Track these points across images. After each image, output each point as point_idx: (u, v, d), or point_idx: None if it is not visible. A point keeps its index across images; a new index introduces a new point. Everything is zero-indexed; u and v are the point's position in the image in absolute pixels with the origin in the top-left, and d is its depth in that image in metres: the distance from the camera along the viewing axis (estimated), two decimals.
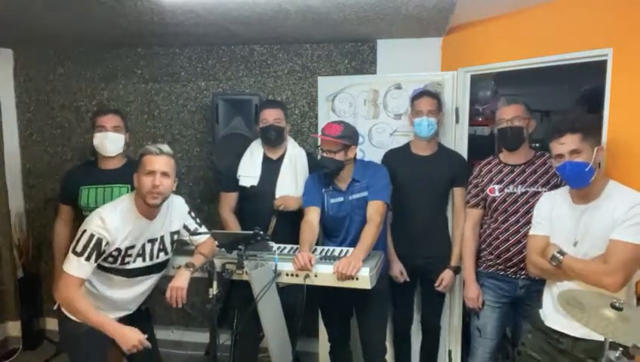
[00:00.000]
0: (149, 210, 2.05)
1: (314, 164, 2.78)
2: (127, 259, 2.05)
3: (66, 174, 2.76)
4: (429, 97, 2.69)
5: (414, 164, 2.72)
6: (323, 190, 2.53)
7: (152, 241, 2.11)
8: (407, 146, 2.83)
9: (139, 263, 2.09)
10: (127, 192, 2.58)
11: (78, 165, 2.93)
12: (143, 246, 2.09)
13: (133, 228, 2.02)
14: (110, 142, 2.57)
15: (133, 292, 2.15)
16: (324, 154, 2.42)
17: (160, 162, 2.01)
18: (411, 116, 2.75)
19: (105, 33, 3.14)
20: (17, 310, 3.80)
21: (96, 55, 3.68)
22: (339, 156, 2.41)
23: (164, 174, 2.01)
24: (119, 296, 2.12)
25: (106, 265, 2.02)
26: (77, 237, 1.94)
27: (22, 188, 3.86)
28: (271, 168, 2.71)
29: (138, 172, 2.04)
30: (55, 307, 2.16)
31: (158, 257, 2.15)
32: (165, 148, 2.05)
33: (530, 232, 2.12)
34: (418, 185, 2.68)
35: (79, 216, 2.62)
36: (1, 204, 3.77)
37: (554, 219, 2.01)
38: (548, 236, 2.02)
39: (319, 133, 2.54)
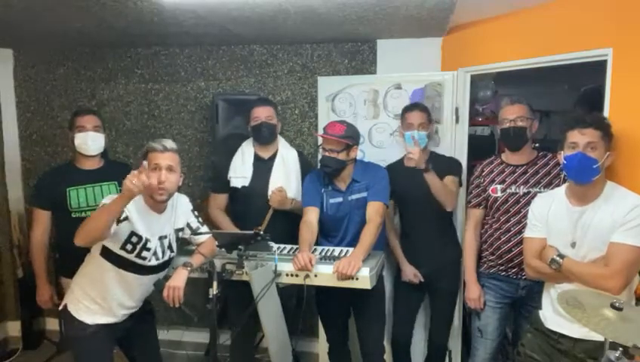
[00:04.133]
0: (155, 204, 2.09)
1: (306, 164, 2.79)
2: (144, 254, 2.07)
3: (45, 177, 2.66)
4: (419, 111, 2.69)
5: (408, 176, 2.65)
6: (322, 190, 2.53)
7: (161, 239, 2.14)
8: (400, 161, 2.82)
9: (153, 261, 2.12)
10: (116, 189, 2.62)
11: (55, 168, 2.88)
12: (156, 245, 2.11)
13: (145, 218, 2.06)
14: (92, 142, 2.58)
15: (139, 289, 2.16)
16: (327, 154, 2.42)
17: (165, 158, 2.04)
18: (402, 129, 2.74)
19: (105, 33, 3.14)
20: (17, 310, 3.80)
21: (96, 55, 3.68)
22: (341, 156, 2.41)
23: (170, 169, 2.04)
24: (127, 292, 2.13)
25: (124, 254, 2.03)
26: (101, 205, 1.96)
27: (22, 188, 3.86)
28: (262, 168, 2.71)
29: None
30: (61, 307, 2.16)
31: (165, 255, 2.17)
32: (169, 144, 2.08)
33: (526, 234, 2.12)
34: (415, 196, 2.66)
35: (62, 221, 2.59)
36: (1, 203, 3.78)
37: (550, 219, 2.00)
38: (544, 238, 2.02)
39: (321, 132, 2.54)
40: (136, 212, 2.03)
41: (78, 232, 1.90)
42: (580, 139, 1.86)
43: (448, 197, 2.56)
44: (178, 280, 2.13)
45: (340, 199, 2.51)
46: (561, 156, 1.93)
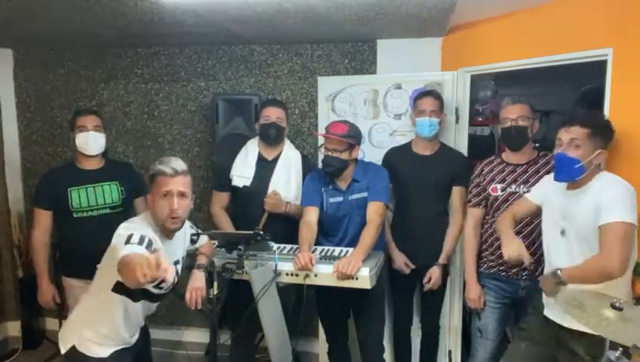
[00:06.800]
0: (169, 232, 1.97)
1: (308, 167, 2.79)
2: (162, 284, 1.90)
3: (46, 177, 2.66)
4: (432, 98, 2.69)
5: (415, 162, 2.72)
6: (322, 189, 2.53)
7: (175, 264, 2.02)
8: (408, 145, 2.83)
9: (167, 288, 1.99)
10: (117, 189, 2.63)
11: (57, 168, 2.89)
12: (172, 272, 1.93)
13: (160, 245, 1.89)
14: (94, 142, 2.59)
15: (145, 312, 2.08)
16: (329, 153, 2.43)
17: (176, 183, 1.87)
18: (413, 115, 2.75)
19: (105, 33, 3.14)
20: (17, 310, 3.80)
21: (96, 55, 3.68)
22: (344, 155, 2.42)
23: (182, 195, 1.89)
24: (134, 320, 2.03)
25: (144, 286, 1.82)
26: (127, 236, 1.74)
27: (22, 188, 3.86)
28: (265, 168, 2.70)
29: (152, 193, 1.92)
30: (65, 350, 1.98)
31: (175, 279, 2.04)
32: (180, 165, 1.90)
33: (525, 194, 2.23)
34: (418, 184, 2.68)
35: (63, 222, 2.61)
36: (1, 203, 3.77)
37: (548, 201, 2.05)
38: (533, 204, 2.13)
39: (323, 132, 2.53)
40: (152, 236, 1.86)
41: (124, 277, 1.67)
42: (564, 136, 1.89)
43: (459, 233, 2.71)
44: (199, 281, 2.11)
45: (341, 199, 2.51)
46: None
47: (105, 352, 1.98)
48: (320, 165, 2.99)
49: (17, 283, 3.78)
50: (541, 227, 2.14)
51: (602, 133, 1.90)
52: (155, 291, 1.96)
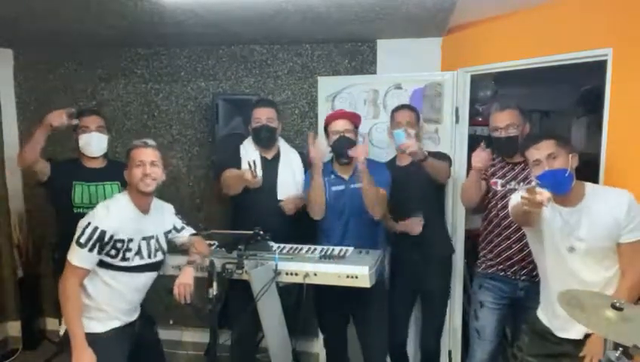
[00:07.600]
0: (143, 201, 2.14)
1: (307, 163, 2.79)
2: (127, 255, 2.08)
3: (57, 163, 2.71)
4: (408, 110, 2.72)
5: (397, 175, 2.67)
6: (325, 179, 2.54)
7: (147, 239, 2.15)
8: (392, 160, 2.84)
9: (137, 261, 2.12)
10: (118, 189, 2.66)
11: (66, 160, 2.90)
12: (139, 245, 2.12)
13: (131, 221, 2.09)
14: (96, 143, 2.63)
15: (136, 286, 2.16)
16: (342, 134, 2.49)
17: (147, 153, 2.13)
18: (390, 128, 2.76)
19: (105, 33, 3.14)
20: (17, 310, 3.80)
21: (96, 55, 3.68)
22: (353, 136, 2.52)
23: (153, 163, 2.12)
24: (126, 296, 2.13)
25: (109, 260, 2.05)
26: (81, 229, 1.99)
27: (22, 188, 3.85)
28: (267, 168, 2.71)
29: (128, 166, 2.13)
30: (63, 331, 2.09)
31: (155, 256, 2.19)
32: (150, 141, 2.18)
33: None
34: (405, 194, 2.66)
35: (64, 216, 2.64)
36: (1, 203, 3.78)
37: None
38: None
39: (328, 124, 2.59)
40: (124, 214, 2.07)
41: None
42: (538, 154, 1.89)
43: (443, 175, 2.63)
44: (187, 277, 2.18)
45: (343, 187, 2.55)
46: (534, 178, 1.94)
47: (99, 328, 2.08)
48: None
49: (17, 283, 3.78)
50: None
51: (564, 139, 1.93)
52: (122, 264, 2.07)
